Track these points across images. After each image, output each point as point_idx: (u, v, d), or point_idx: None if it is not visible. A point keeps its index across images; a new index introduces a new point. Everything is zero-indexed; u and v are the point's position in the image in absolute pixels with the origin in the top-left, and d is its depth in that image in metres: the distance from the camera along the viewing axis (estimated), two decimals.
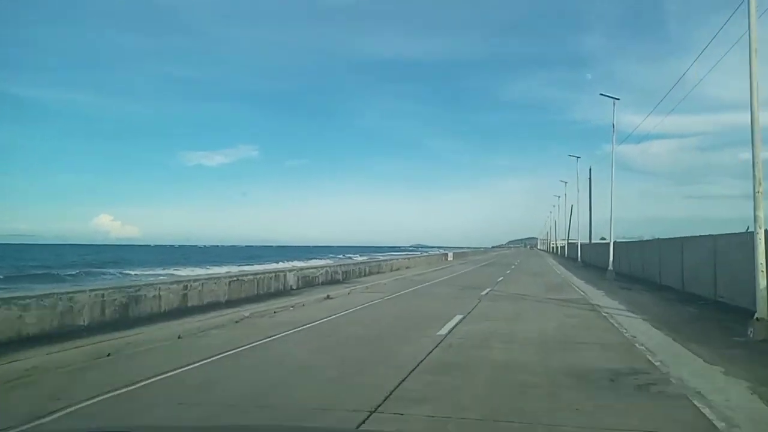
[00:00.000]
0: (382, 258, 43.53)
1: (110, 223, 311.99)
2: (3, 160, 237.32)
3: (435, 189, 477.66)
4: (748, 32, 10.83)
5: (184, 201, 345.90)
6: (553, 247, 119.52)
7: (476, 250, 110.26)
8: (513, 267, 44.15)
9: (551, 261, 60.11)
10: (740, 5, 11.67)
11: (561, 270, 39.51)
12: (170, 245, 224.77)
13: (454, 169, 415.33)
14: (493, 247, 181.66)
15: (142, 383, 6.84)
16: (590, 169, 53.00)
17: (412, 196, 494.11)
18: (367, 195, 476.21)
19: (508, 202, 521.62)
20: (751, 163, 10.62)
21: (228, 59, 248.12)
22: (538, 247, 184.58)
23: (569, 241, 76.00)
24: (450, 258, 57.15)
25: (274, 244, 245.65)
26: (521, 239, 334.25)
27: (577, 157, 47.69)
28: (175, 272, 49.38)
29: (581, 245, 52.99)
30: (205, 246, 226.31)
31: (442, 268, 39.77)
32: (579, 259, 49.25)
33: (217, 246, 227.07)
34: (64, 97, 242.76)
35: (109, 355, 8.70)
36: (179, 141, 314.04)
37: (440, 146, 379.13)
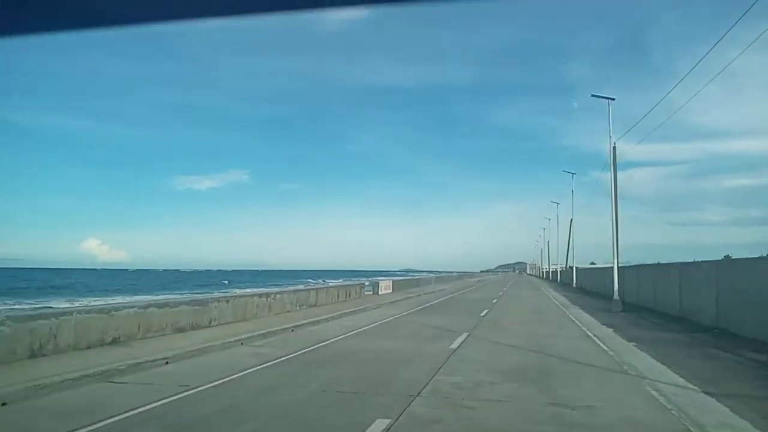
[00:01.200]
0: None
1: (98, 247, 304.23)
2: None
3: (426, 213, 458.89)
4: None
5: (173, 225, 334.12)
6: (544, 272, 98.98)
7: (457, 275, 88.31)
8: (485, 314, 20.63)
9: (554, 295, 36.53)
10: (723, 37, 14.00)
11: (609, 340, 15.28)
12: (154, 269, 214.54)
13: (445, 193, 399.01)
14: (481, 271, 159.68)
15: None
16: (614, 149, 29.76)
17: (403, 220, 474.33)
18: (358, 219, 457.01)
19: (498, 227, 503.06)
20: None
21: (220, 85, 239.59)
22: (528, 272, 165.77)
23: (568, 266, 52.88)
24: (385, 290, 33.45)
25: (261, 268, 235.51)
26: (510, 264, 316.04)
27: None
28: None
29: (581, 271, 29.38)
30: (189, 270, 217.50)
31: (303, 325, 16.09)
32: (615, 296, 25.18)
33: (200, 271, 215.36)
34: (55, 123, 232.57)
35: None
36: (169, 166, 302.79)
37: (432, 171, 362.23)
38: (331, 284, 36.86)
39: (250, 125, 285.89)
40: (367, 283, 33.43)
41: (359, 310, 21.80)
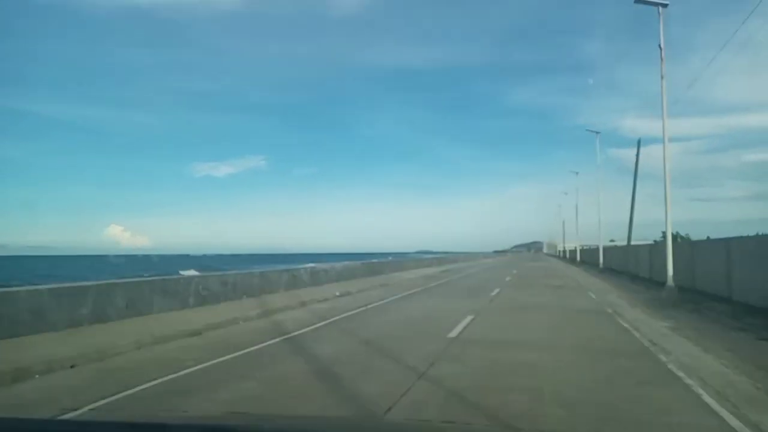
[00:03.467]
0: None
1: (121, 233, 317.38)
2: (17, 175, 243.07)
3: (442, 195, 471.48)
4: None
5: (193, 211, 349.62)
6: (560, 252, 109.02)
7: (459, 256, 65.91)
8: None
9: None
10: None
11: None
12: (168, 255, 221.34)
13: (461, 175, 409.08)
14: (494, 251, 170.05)
15: None
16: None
17: (419, 202, 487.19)
18: (374, 202, 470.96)
19: (513, 207, 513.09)
20: None
21: (236, 72, 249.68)
22: (545, 251, 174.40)
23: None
24: None
25: (278, 252, 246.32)
26: (526, 243, 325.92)
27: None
28: None
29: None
30: (202, 255, 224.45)
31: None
32: (600, 264, 38.50)
33: (209, 255, 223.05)
34: (76, 112, 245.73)
35: None
36: (188, 152, 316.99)
37: (448, 153, 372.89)
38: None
39: (266, 111, 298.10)
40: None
41: None
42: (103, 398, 6.07)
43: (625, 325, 11.74)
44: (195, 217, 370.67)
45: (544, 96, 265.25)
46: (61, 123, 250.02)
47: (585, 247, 63.60)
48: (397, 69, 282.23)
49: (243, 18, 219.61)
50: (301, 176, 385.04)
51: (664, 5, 17.31)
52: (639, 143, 34.64)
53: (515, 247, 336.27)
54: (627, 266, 31.98)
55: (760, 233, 20.68)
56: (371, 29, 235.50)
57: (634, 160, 33.33)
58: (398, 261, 36.70)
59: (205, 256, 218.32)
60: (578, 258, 61.18)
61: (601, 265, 39.01)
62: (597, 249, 42.10)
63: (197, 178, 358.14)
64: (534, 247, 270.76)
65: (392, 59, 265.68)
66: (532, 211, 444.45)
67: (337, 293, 19.06)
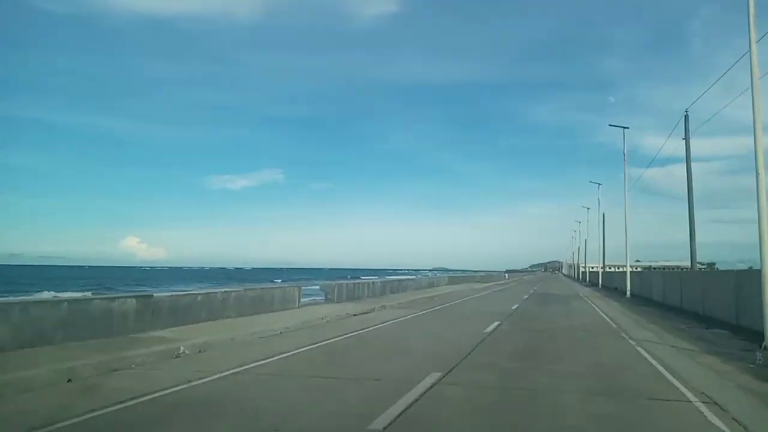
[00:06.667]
0: None
1: (137, 245, 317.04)
2: (34, 184, 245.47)
3: (459, 212, 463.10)
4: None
5: (209, 224, 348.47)
6: (582, 274, 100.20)
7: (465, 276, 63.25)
8: None
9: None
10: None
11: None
12: (186, 267, 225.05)
13: (478, 192, 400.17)
14: (507, 271, 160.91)
15: None
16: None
17: (436, 219, 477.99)
18: (390, 218, 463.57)
19: (532, 225, 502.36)
20: None
21: (254, 85, 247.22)
22: (563, 272, 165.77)
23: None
24: None
25: (292, 267, 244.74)
26: (544, 263, 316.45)
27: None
28: None
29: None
30: (209, 268, 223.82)
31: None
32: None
33: (214, 268, 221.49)
34: (92, 123, 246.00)
35: None
36: (205, 165, 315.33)
37: (465, 170, 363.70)
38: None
39: (283, 125, 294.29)
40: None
41: None
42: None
43: None
44: (211, 229, 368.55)
45: (564, 113, 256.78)
46: (78, 134, 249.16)
47: (609, 269, 55.98)
48: (414, 84, 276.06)
49: (262, 31, 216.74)
50: (317, 191, 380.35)
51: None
52: None
53: (533, 266, 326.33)
54: (664, 296, 24.90)
55: None
56: (389, 44, 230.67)
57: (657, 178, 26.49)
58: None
59: (212, 268, 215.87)
60: (600, 283, 53.54)
61: (628, 294, 31.75)
62: (623, 273, 34.87)
63: (214, 191, 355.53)
64: (551, 266, 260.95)
65: (410, 74, 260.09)
66: (551, 230, 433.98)
67: None
